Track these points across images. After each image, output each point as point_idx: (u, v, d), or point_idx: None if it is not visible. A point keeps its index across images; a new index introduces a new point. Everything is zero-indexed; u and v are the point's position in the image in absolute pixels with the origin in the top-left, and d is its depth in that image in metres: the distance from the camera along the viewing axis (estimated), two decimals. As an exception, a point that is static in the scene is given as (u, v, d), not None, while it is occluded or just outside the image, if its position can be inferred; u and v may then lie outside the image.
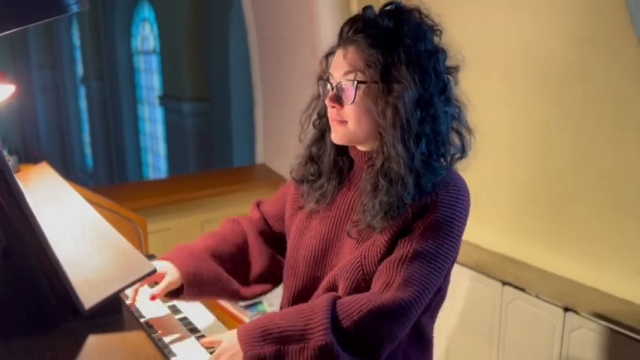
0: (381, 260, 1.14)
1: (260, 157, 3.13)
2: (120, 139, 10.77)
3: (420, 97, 1.10)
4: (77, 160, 13.28)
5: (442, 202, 1.12)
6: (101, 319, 0.88)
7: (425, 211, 1.12)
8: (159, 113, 9.36)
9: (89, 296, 0.88)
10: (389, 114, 1.11)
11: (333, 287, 1.21)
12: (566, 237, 1.96)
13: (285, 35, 2.79)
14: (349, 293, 1.16)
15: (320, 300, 1.12)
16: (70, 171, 13.14)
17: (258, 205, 1.50)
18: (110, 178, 11.39)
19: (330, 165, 1.27)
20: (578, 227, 1.92)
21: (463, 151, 1.20)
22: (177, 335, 1.19)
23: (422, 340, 1.29)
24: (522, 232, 2.10)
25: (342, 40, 1.15)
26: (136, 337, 0.83)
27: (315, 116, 1.28)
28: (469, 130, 1.21)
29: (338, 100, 1.15)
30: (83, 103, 12.55)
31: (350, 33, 1.14)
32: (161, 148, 9.57)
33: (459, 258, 2.11)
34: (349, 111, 1.15)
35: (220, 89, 7.10)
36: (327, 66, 1.20)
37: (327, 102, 1.17)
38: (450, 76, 1.17)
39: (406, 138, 1.10)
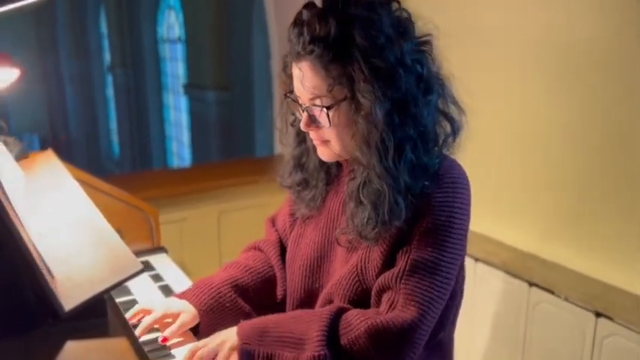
0: (379, 273, 1.03)
1: (278, 148, 3.06)
2: (145, 127, 10.85)
3: (393, 103, 0.96)
4: (104, 148, 13.45)
5: (437, 202, 1.00)
6: (84, 323, 0.80)
7: (419, 215, 1.00)
8: (183, 102, 9.38)
9: (71, 297, 0.81)
10: (360, 132, 0.98)
11: (330, 302, 1.11)
12: (599, 237, 1.84)
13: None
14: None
15: (324, 309, 1.04)
16: (97, 158, 13.32)
17: (273, 222, 1.37)
18: (135, 165, 11.50)
19: (317, 169, 1.16)
20: (610, 227, 1.80)
21: (454, 133, 1.05)
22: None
23: (438, 348, 1.19)
24: (550, 230, 1.98)
25: (293, 53, 1.00)
26: (118, 344, 0.76)
27: (291, 117, 1.15)
28: (459, 107, 1.06)
29: (313, 122, 1.03)
30: (110, 91, 12.68)
31: (299, 46, 0.98)
32: (185, 136, 9.60)
33: (483, 256, 2.05)
34: (328, 132, 1.03)
35: (243, 78, 7.05)
36: (287, 78, 1.07)
37: (302, 127, 1.05)
38: (424, 55, 1.01)
39: (383, 158, 0.97)
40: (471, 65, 1.11)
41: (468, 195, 1.05)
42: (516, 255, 2.02)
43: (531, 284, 1.89)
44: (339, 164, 1.16)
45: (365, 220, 1.00)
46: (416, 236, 1.00)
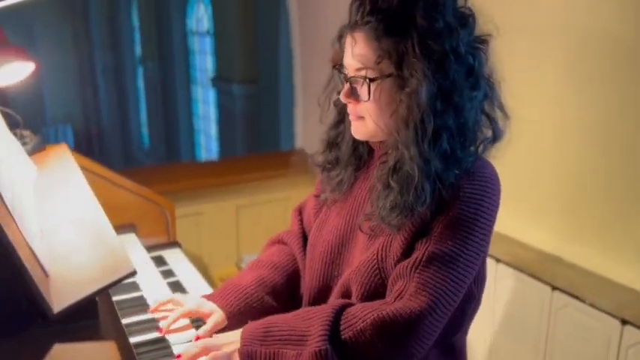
0: (398, 262, 1.01)
1: (299, 142, 3.02)
2: (174, 120, 10.95)
3: (439, 88, 0.95)
4: (135, 139, 13.63)
5: (465, 195, 0.98)
6: (75, 325, 0.78)
7: (444, 206, 0.98)
8: (211, 95, 9.42)
9: (63, 298, 0.79)
10: (402, 112, 0.97)
11: (347, 291, 1.09)
12: (628, 241, 1.75)
13: (324, 13, 2.66)
14: (365, 298, 1.05)
15: (327, 305, 1.02)
16: (128, 149, 13.51)
17: (299, 211, 1.37)
18: (165, 157, 11.63)
19: (349, 151, 1.15)
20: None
21: (495, 138, 1.05)
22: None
23: (451, 351, 1.15)
24: (576, 232, 1.90)
25: (350, 23, 1.02)
26: (108, 348, 0.73)
27: (335, 95, 1.15)
28: (504, 112, 1.05)
29: (353, 95, 1.03)
30: (141, 84, 12.83)
31: (358, 16, 1.00)
32: (213, 129, 9.65)
33: (505, 257, 1.98)
34: (366, 107, 1.02)
35: (269, 71, 7.03)
36: (341, 49, 1.06)
37: (342, 98, 1.05)
38: (478, 52, 1.00)
39: (419, 140, 0.95)
40: (501, 57, 1.07)
41: (497, 196, 1.02)
42: (540, 257, 1.95)
43: (554, 288, 1.82)
44: (370, 151, 1.15)
45: (390, 204, 0.99)
46: (438, 227, 0.98)
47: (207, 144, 10.22)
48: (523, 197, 2.03)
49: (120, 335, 0.83)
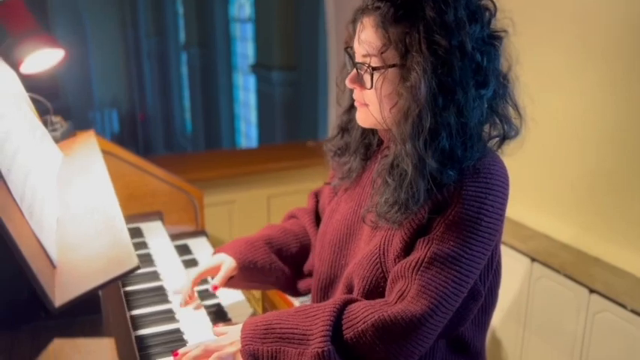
0: (398, 258, 0.99)
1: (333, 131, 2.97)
2: (215, 106, 11.06)
3: (441, 84, 0.91)
4: (178, 125, 13.87)
5: (468, 194, 0.93)
6: (77, 319, 0.77)
7: (446, 205, 0.94)
8: (251, 81, 9.46)
9: (67, 291, 0.78)
10: (402, 105, 0.94)
11: (350, 284, 1.08)
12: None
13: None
14: (367, 291, 1.03)
15: (329, 302, 1.00)
16: (172, 135, 13.77)
17: (316, 194, 1.40)
18: (206, 143, 11.78)
19: (358, 138, 1.13)
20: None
21: (506, 137, 1.00)
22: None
23: (467, 354, 1.12)
24: (618, 233, 1.80)
25: (362, 7, 0.99)
26: (106, 344, 0.72)
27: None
28: (517, 111, 1.00)
29: (358, 81, 1.00)
30: (184, 70, 13.01)
31: (369, 1, 0.97)
32: (253, 116, 9.70)
33: (541, 256, 1.89)
34: (370, 95, 0.99)
35: (308, 58, 6.99)
36: (354, 32, 1.03)
37: (347, 83, 1.02)
38: (490, 48, 0.95)
39: (416, 136, 0.91)
40: (518, 48, 1.01)
41: (503, 195, 0.97)
42: (578, 257, 1.85)
43: (592, 291, 1.73)
44: (380, 141, 1.12)
45: (385, 200, 0.97)
46: (440, 227, 0.94)
47: (248, 131, 10.29)
48: (564, 196, 1.94)
49: (122, 330, 0.82)
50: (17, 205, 0.82)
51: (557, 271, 1.84)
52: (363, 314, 0.95)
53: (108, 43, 13.26)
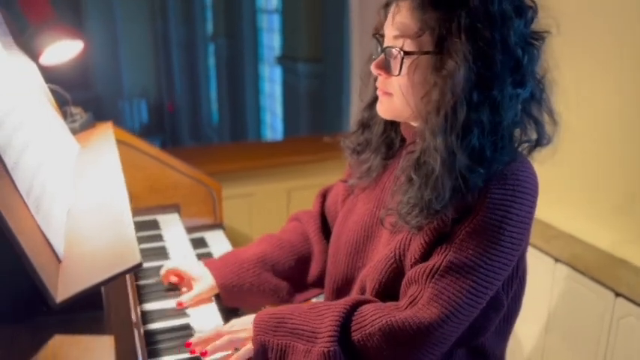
0: (415, 264, 0.95)
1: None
2: (241, 98, 11.09)
3: (478, 77, 0.86)
4: (205, 116, 13.96)
5: (492, 201, 0.88)
6: (78, 315, 0.77)
7: (470, 211, 0.89)
8: (277, 73, 9.45)
9: (70, 286, 0.77)
10: (434, 95, 0.88)
11: (364, 287, 1.05)
12: None
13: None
14: (379, 295, 1.00)
15: (340, 302, 0.98)
16: (199, 125, 13.88)
17: (323, 195, 1.34)
18: (232, 135, 11.84)
19: (379, 134, 1.08)
20: None
21: (538, 143, 0.95)
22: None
23: (484, 357, 1.07)
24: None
25: None
26: (105, 342, 0.71)
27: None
28: (552, 117, 0.95)
29: (385, 67, 0.95)
30: (212, 60, 13.08)
31: None
32: (278, 108, 9.70)
33: (565, 257, 1.83)
34: (395, 83, 0.94)
35: (334, 51, 6.93)
36: (386, 17, 0.98)
37: (372, 68, 0.96)
38: (531, 47, 0.90)
39: (448, 129, 0.86)
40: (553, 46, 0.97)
41: (531, 203, 0.92)
42: (604, 259, 1.79)
43: (618, 294, 1.67)
44: (402, 140, 1.08)
45: (408, 200, 0.92)
46: (461, 234, 0.90)
47: (273, 123, 10.30)
48: (590, 196, 1.87)
49: (125, 327, 0.81)
50: (22, 198, 0.82)
51: (582, 273, 1.78)
52: (372, 317, 0.93)
53: (137, 34, 13.40)
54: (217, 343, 1.00)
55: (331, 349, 0.91)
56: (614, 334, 1.68)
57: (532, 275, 1.89)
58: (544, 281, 1.89)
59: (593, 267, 1.76)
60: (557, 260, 1.84)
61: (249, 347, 0.99)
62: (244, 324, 1.01)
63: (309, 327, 0.95)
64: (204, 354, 1.00)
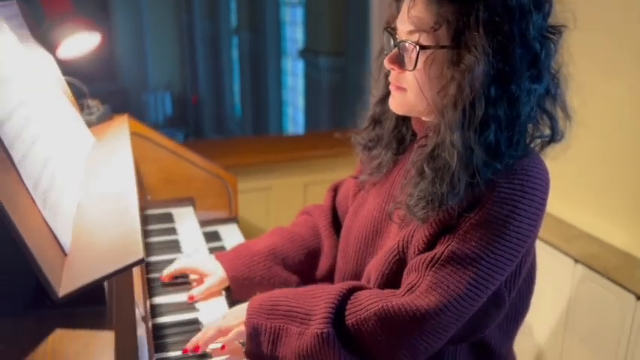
0: (418, 255, 0.94)
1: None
2: (264, 91, 11.12)
3: (497, 72, 0.84)
4: (228, 109, 14.04)
5: (500, 195, 0.87)
6: (81, 309, 0.76)
7: (477, 204, 0.88)
8: (300, 67, 9.44)
9: (74, 280, 0.77)
10: (452, 90, 0.86)
11: (369, 279, 1.04)
12: None
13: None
14: (382, 287, 0.99)
15: (336, 285, 0.98)
16: (222, 118, 13.96)
17: (334, 189, 1.34)
18: (254, 128, 11.88)
19: (390, 131, 1.07)
20: None
21: (552, 139, 0.94)
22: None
23: (488, 354, 1.06)
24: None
25: None
26: (105, 337, 0.71)
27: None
28: (566, 112, 0.93)
29: (399, 61, 0.93)
30: (235, 54, 13.12)
31: None
32: (300, 102, 9.70)
33: (585, 258, 1.79)
34: (409, 77, 0.92)
35: (356, 44, 6.90)
36: (398, 11, 0.96)
37: (385, 63, 0.95)
38: (548, 41, 0.88)
39: (466, 124, 0.85)
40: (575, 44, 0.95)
41: (540, 199, 0.90)
42: (625, 261, 1.74)
43: (639, 297, 1.62)
44: (413, 136, 1.07)
45: (418, 193, 0.91)
46: (465, 226, 0.89)
47: (295, 117, 10.30)
48: (613, 195, 1.82)
49: (128, 323, 0.81)
50: (28, 191, 0.82)
51: (602, 275, 1.73)
52: (368, 301, 0.92)
53: (163, 27, 13.53)
54: (207, 334, 1.01)
55: (325, 330, 0.91)
56: (634, 338, 1.63)
57: (551, 276, 1.86)
58: (563, 283, 1.84)
59: (613, 269, 1.72)
60: (577, 261, 1.80)
61: (239, 330, 1.00)
62: (237, 314, 1.02)
63: (304, 309, 0.95)
64: (196, 349, 1.01)
